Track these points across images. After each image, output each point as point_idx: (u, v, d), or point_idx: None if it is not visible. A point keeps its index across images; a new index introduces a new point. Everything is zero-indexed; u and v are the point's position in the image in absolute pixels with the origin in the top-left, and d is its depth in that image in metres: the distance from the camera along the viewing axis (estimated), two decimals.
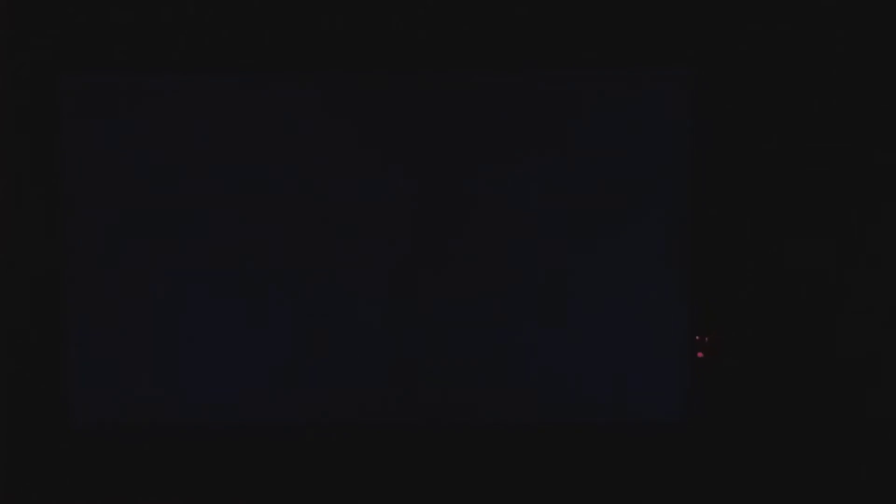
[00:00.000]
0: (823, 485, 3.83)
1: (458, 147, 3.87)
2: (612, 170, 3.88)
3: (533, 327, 3.88)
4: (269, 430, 3.87)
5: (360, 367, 3.88)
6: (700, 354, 3.89)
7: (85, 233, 3.86)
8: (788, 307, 3.89)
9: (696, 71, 3.86)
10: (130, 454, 3.86)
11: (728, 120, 3.87)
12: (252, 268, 3.87)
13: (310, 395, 3.87)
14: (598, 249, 3.88)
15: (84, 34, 3.84)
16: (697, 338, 3.90)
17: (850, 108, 3.87)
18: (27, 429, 3.87)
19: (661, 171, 3.88)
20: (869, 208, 3.88)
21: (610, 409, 3.89)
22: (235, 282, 3.87)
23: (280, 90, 3.87)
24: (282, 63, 3.86)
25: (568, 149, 3.87)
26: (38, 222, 3.86)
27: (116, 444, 3.86)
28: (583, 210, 3.88)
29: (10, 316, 3.84)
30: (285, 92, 3.87)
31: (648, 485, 3.87)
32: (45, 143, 3.86)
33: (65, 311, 3.86)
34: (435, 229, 3.88)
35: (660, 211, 3.88)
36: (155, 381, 3.86)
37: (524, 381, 3.88)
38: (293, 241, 3.87)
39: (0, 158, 3.82)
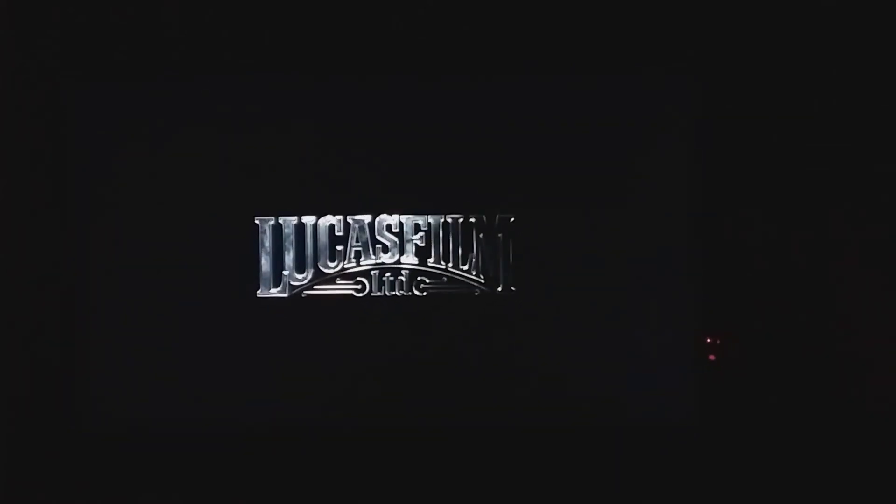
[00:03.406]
0: (831, 487, 3.78)
1: (460, 148, 3.84)
2: (613, 171, 3.86)
3: (536, 329, 3.84)
4: (271, 430, 3.80)
5: (362, 368, 3.82)
6: (712, 357, 3.85)
7: (92, 236, 3.82)
8: (793, 307, 3.86)
9: (696, 71, 3.85)
10: (134, 455, 3.80)
11: (728, 120, 3.86)
12: (256, 269, 3.82)
13: (311, 396, 3.81)
14: (600, 252, 3.84)
15: (88, 40, 3.81)
16: (708, 340, 3.86)
17: (850, 108, 3.88)
18: (32, 430, 3.80)
19: (662, 172, 3.86)
20: (871, 207, 3.88)
21: (616, 412, 3.83)
22: (239, 284, 3.82)
23: (283, 91, 3.86)
24: (283, 65, 3.85)
25: (568, 150, 3.85)
26: (45, 226, 3.80)
27: (120, 445, 3.80)
28: (584, 212, 3.85)
29: (16, 318, 3.79)
30: (289, 93, 3.86)
31: (655, 488, 3.81)
32: (51, 146, 3.82)
33: (70, 314, 3.80)
34: (435, 229, 3.85)
35: (661, 212, 3.86)
36: (160, 384, 3.79)
37: (529, 383, 3.83)
38: (296, 240, 3.82)
39: (8, 163, 3.80)
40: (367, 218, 3.84)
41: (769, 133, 3.88)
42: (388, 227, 3.84)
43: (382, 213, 3.84)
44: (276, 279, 3.83)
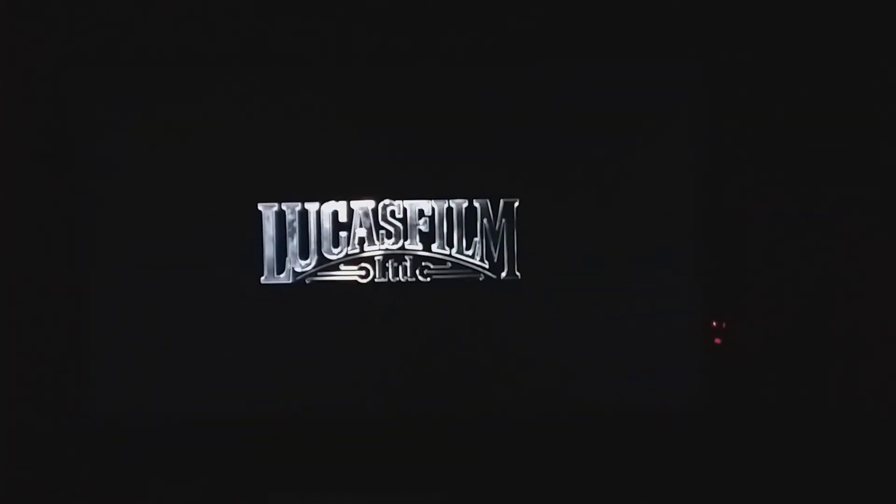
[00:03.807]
0: (837, 473, 3.80)
1: (462, 141, 3.83)
2: (618, 162, 3.85)
3: (540, 315, 3.83)
4: (276, 419, 3.81)
5: (367, 355, 3.82)
6: (718, 341, 3.84)
7: (93, 225, 3.80)
8: (799, 298, 3.86)
9: (701, 64, 3.83)
10: (139, 447, 3.82)
11: (733, 113, 3.84)
12: (259, 256, 3.81)
13: (317, 383, 3.82)
14: (604, 238, 3.84)
15: (88, 29, 3.80)
16: (714, 324, 3.85)
17: (855, 104, 3.86)
18: (34, 426, 3.82)
19: (667, 163, 3.84)
20: (873, 200, 3.87)
21: (621, 400, 3.83)
22: (243, 271, 3.81)
23: (285, 79, 3.85)
24: (287, 53, 3.84)
25: (572, 143, 3.84)
26: (51, 218, 3.80)
27: (125, 436, 3.82)
28: (588, 196, 3.84)
29: (23, 313, 3.80)
30: (291, 81, 3.85)
31: (660, 474, 3.82)
32: (50, 138, 3.80)
33: (72, 306, 3.79)
34: (439, 214, 3.83)
35: (666, 202, 3.84)
36: (164, 373, 3.80)
37: (533, 369, 3.83)
38: (299, 226, 3.82)
39: (7, 157, 3.80)
40: (370, 204, 3.83)
41: (774, 126, 3.86)
42: (392, 213, 3.83)
43: (386, 198, 3.83)
44: (280, 266, 3.82)
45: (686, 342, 3.83)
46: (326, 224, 3.82)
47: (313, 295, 3.82)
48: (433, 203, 3.84)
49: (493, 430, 3.82)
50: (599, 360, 3.82)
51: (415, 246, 3.83)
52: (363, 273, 3.83)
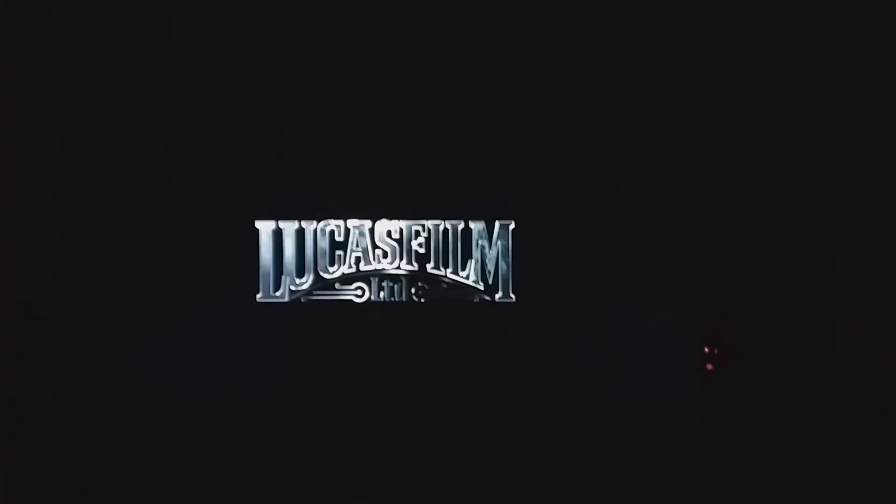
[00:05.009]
0: (830, 492, 3.79)
1: (460, 153, 3.84)
2: (614, 176, 3.84)
3: (535, 335, 3.84)
4: (269, 434, 3.85)
5: (362, 373, 3.85)
6: (710, 367, 3.84)
7: (93, 239, 3.84)
8: (795, 313, 3.85)
9: (700, 75, 3.81)
10: (139, 456, 3.85)
11: (731, 124, 3.82)
12: (256, 274, 3.83)
13: (311, 400, 3.85)
14: (601, 258, 3.84)
15: (88, 40, 3.82)
16: (706, 349, 3.85)
17: (851, 112, 3.83)
18: (37, 431, 3.85)
19: (664, 176, 3.84)
20: (872, 210, 3.85)
21: (615, 418, 3.83)
22: (240, 289, 3.83)
23: (284, 96, 3.86)
24: (286, 69, 3.84)
25: (571, 154, 3.84)
26: (50, 230, 3.84)
27: (119, 447, 3.85)
28: (584, 217, 3.84)
29: (19, 317, 3.83)
30: (290, 98, 3.86)
31: (654, 494, 3.82)
32: (51, 146, 3.84)
33: (72, 318, 3.83)
34: (435, 235, 3.84)
35: (663, 216, 3.84)
36: (161, 387, 3.83)
37: (529, 389, 3.84)
38: (296, 245, 3.84)
39: (8, 165, 3.82)
40: (367, 223, 3.84)
41: (772, 137, 3.84)
42: (388, 233, 3.84)
43: (382, 218, 3.84)
44: (276, 284, 3.84)
45: (682, 364, 3.83)
46: (323, 243, 3.84)
47: (309, 313, 3.84)
48: (429, 223, 3.84)
49: (487, 448, 3.84)
50: (593, 381, 3.83)
51: (410, 266, 3.84)
52: (359, 292, 3.85)
